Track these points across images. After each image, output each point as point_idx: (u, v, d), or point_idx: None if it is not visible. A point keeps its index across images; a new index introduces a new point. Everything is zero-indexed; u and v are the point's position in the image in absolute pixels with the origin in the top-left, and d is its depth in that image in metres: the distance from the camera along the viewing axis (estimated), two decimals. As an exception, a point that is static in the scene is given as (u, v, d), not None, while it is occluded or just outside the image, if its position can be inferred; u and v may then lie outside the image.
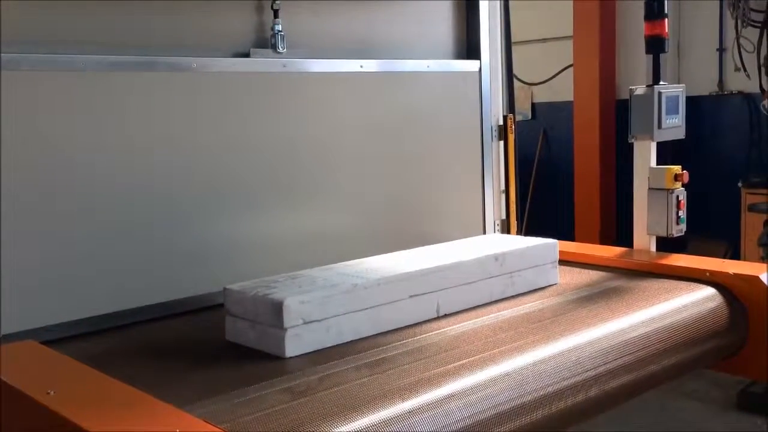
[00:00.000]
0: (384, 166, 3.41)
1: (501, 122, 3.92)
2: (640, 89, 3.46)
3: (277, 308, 2.28)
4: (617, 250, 3.50)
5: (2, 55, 2.40)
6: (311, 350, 2.32)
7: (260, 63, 3.01)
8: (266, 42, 3.04)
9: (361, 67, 3.30)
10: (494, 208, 3.87)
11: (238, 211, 2.95)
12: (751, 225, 6.63)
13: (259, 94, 2.99)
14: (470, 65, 3.74)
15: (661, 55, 3.47)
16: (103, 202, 2.64)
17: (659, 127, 3.40)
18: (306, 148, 3.14)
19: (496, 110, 3.90)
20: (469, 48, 3.76)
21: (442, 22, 3.69)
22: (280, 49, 3.03)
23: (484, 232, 3.80)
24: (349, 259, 2.79)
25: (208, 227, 2.88)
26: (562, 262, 3.16)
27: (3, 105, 2.41)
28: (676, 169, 3.37)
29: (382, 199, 3.42)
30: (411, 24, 3.56)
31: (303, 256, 3.04)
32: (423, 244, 3.06)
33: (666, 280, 3.04)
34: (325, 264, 2.74)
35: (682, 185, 3.37)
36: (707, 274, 2.99)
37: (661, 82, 3.45)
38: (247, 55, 2.99)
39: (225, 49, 2.95)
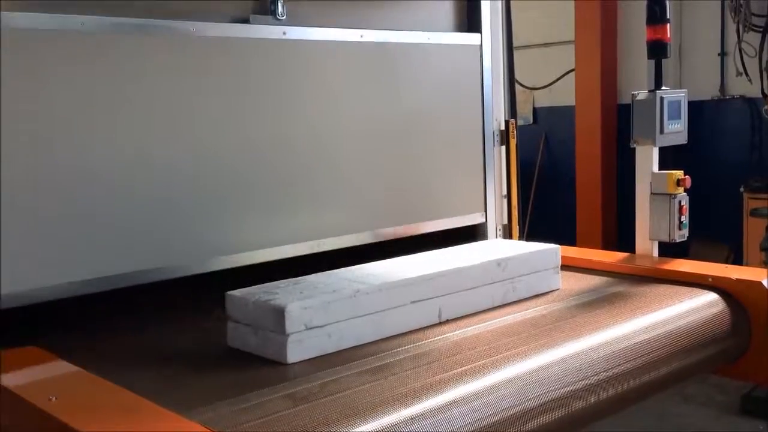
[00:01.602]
0: (383, 150, 3.37)
1: (503, 127, 3.91)
2: (642, 94, 3.45)
3: (279, 314, 2.27)
4: (619, 255, 3.50)
5: (2, 13, 2.37)
6: (313, 356, 2.32)
7: (260, 29, 2.98)
8: (267, 9, 3.03)
9: (361, 36, 3.28)
10: (496, 213, 3.86)
11: (233, 187, 2.92)
12: (753, 229, 6.63)
13: (257, 60, 2.96)
14: (471, 38, 3.69)
15: (663, 60, 3.47)
16: (98, 162, 2.60)
17: (661, 132, 3.40)
18: (304, 118, 3.10)
19: (498, 115, 3.89)
20: (470, 22, 3.73)
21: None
22: (280, 16, 3.03)
23: (486, 237, 3.79)
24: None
25: (204, 199, 2.85)
26: (564, 267, 3.15)
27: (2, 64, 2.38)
28: (679, 174, 3.36)
29: (382, 182, 3.38)
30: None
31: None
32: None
33: (668, 285, 3.03)
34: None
35: (685, 190, 3.37)
36: (709, 279, 2.99)
37: (663, 87, 3.45)
38: (247, 21, 2.98)
39: (225, 15, 2.91)
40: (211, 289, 2.75)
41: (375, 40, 3.31)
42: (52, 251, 2.52)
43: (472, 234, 3.72)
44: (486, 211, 3.79)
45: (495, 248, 3.09)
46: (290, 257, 3.07)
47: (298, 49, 3.07)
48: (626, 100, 3.64)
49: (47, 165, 2.50)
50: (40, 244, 2.50)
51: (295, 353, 2.28)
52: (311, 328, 2.32)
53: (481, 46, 3.71)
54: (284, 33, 3.03)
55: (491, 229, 3.82)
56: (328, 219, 3.19)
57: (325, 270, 2.73)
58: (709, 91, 7.67)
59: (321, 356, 2.33)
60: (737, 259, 7.17)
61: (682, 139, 3.51)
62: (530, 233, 6.95)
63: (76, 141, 2.56)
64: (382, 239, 3.37)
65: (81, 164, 2.57)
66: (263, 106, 2.98)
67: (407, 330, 2.56)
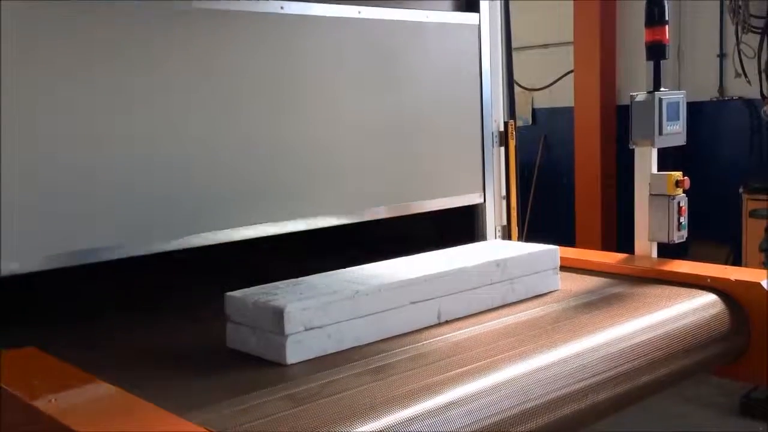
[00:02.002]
0: (379, 128, 3.37)
1: (502, 128, 3.91)
2: (640, 95, 3.46)
3: (279, 315, 2.28)
4: (618, 256, 3.50)
5: None
6: (312, 357, 2.32)
7: (257, 4, 2.97)
8: None
9: (359, 13, 3.28)
10: (495, 213, 3.86)
11: (229, 160, 2.91)
12: (752, 230, 6.63)
13: (253, 35, 2.95)
14: (469, 18, 3.67)
15: (662, 61, 3.48)
16: (95, 135, 2.59)
17: (660, 133, 3.40)
18: (302, 92, 3.11)
19: (497, 116, 3.89)
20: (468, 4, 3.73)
21: None
22: None
23: (485, 238, 3.79)
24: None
25: (203, 172, 2.85)
26: (564, 268, 3.15)
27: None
28: (678, 175, 3.37)
29: (375, 166, 3.39)
30: None
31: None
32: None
33: (667, 286, 3.04)
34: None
35: (684, 191, 3.38)
36: (708, 280, 2.99)
37: (662, 89, 3.45)
38: None
39: None
40: (209, 263, 2.73)
41: (373, 17, 3.31)
42: (51, 222, 2.51)
43: (470, 233, 3.74)
44: (485, 210, 3.79)
45: (494, 249, 3.09)
46: (289, 233, 3.09)
47: (295, 24, 3.07)
48: (625, 101, 3.63)
49: (42, 133, 2.49)
50: (39, 215, 2.48)
51: (294, 354, 2.29)
52: (310, 329, 2.32)
53: (479, 26, 3.70)
54: (282, 8, 3.03)
55: (490, 229, 3.83)
56: (322, 198, 3.20)
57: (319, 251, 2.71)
58: (708, 92, 7.67)
59: (320, 357, 2.33)
60: (736, 260, 7.17)
61: (681, 140, 3.52)
62: (529, 234, 6.96)
63: (74, 111, 2.54)
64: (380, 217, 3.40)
65: (77, 131, 2.55)
66: (259, 81, 2.97)
67: (406, 331, 2.56)
